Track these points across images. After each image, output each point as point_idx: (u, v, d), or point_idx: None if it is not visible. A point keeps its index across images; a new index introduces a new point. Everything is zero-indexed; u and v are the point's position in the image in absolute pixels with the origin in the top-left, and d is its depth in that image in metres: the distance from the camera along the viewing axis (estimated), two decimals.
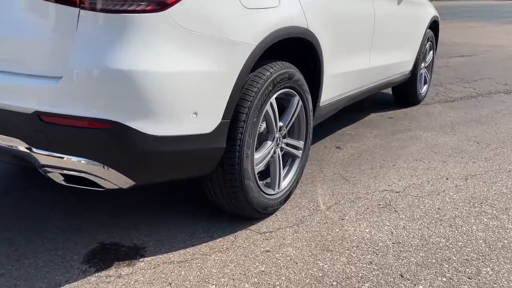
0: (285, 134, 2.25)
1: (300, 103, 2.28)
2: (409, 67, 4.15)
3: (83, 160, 1.52)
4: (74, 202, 2.33)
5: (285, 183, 2.29)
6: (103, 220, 2.17)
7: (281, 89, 2.08)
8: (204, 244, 1.99)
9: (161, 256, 1.89)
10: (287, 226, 2.15)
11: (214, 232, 2.08)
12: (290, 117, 2.23)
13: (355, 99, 3.21)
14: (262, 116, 1.98)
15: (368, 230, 2.13)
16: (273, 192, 2.19)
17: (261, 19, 1.84)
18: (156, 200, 2.37)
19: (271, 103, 2.03)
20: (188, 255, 1.90)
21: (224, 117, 1.74)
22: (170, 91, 1.54)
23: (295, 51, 2.29)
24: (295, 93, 2.21)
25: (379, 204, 2.39)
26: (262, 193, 2.10)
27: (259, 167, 2.07)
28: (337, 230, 2.12)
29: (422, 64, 4.56)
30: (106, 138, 1.48)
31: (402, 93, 4.56)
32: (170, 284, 1.71)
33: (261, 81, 1.93)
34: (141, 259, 1.86)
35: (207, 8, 1.62)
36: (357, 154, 3.17)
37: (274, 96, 2.05)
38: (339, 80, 2.70)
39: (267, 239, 2.03)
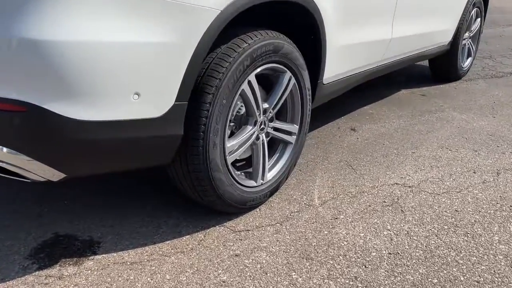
0: (272, 117, 1.92)
1: (293, 80, 1.93)
2: (448, 37, 3.63)
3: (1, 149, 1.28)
4: (42, 185, 2.14)
5: (272, 174, 1.98)
6: (68, 206, 1.96)
7: (263, 64, 1.75)
8: (168, 241, 1.74)
9: (114, 255, 1.66)
10: (268, 224, 1.86)
11: (183, 228, 1.83)
12: (279, 97, 1.89)
13: (374, 75, 2.79)
14: (236, 97, 1.67)
15: (363, 234, 1.79)
16: (255, 184, 1.89)
17: None
18: (132, 187, 2.14)
19: (249, 81, 1.70)
20: (145, 254, 1.66)
21: (178, 99, 1.44)
22: (100, 67, 1.25)
23: (289, 17, 1.93)
24: (285, 69, 1.87)
25: (384, 202, 2.03)
26: (239, 185, 1.81)
27: (234, 156, 1.77)
28: (325, 232, 1.81)
29: (466, 34, 4.01)
30: (21, 123, 1.23)
31: (440, 67, 4.05)
32: None
33: (235, 55, 1.60)
34: (92, 257, 1.64)
35: None
36: (373, 138, 2.78)
37: (254, 72, 1.72)
38: (349, 53, 2.31)
39: (241, 240, 1.75)
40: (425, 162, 2.44)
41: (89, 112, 1.28)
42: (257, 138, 1.86)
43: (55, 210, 1.94)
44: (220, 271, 1.58)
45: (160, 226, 1.84)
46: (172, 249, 1.70)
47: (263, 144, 1.89)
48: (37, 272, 1.56)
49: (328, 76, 2.22)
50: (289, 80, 1.91)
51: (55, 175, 1.35)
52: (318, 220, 1.88)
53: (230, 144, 1.72)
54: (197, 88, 1.54)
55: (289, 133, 2.03)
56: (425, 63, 4.32)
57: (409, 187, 2.17)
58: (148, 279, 1.54)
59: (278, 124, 1.96)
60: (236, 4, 1.50)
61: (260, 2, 1.62)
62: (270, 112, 1.88)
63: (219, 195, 1.72)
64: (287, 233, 1.80)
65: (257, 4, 1.59)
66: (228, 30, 1.66)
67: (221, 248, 1.70)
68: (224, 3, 1.47)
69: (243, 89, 1.68)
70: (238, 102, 1.78)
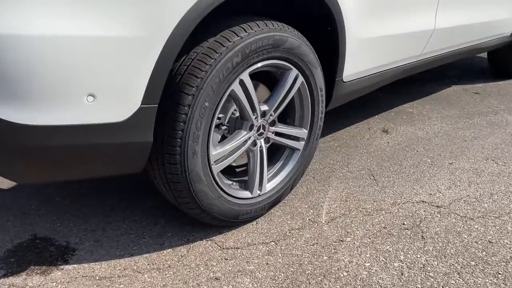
0: (273, 120, 1.68)
1: (300, 79, 1.67)
2: (510, 27, 3.16)
3: None
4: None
5: (272, 184, 1.76)
6: (56, 205, 1.85)
7: (260, 60, 1.50)
8: (146, 255, 1.57)
9: (85, 266, 1.52)
10: (262, 241, 1.64)
11: (167, 239, 1.65)
12: (282, 98, 1.65)
13: (411, 71, 2.45)
14: (224, 99, 1.44)
15: (368, 264, 1.53)
16: (250, 196, 1.67)
17: None
18: (131, 187, 2.00)
19: (241, 81, 1.47)
20: (118, 269, 1.50)
21: (145, 101, 1.24)
22: (44, 64, 1.07)
23: (297, 5, 1.67)
24: (289, 65, 1.61)
25: (403, 224, 1.74)
26: (230, 197, 1.60)
27: (223, 164, 1.56)
28: (325, 258, 1.56)
29: None
30: None
31: (500, 61, 3.58)
32: None
33: (222, 50, 1.38)
34: (62, 267, 1.51)
35: None
36: (406, 142, 2.46)
37: (248, 70, 1.48)
38: (376, 47, 2.00)
39: (226, 259, 1.55)
40: (463, 177, 2.10)
41: (35, 116, 1.11)
42: (254, 144, 1.64)
43: (44, 207, 1.83)
44: None
45: (143, 235, 1.67)
46: (148, 264, 1.53)
47: (261, 151, 1.66)
48: (1, 280, 1.45)
49: (349, 73, 1.93)
50: (296, 78, 1.66)
51: (3, 183, 1.21)
52: (320, 242, 1.64)
53: (218, 151, 1.51)
54: (172, 88, 1.33)
55: (295, 138, 1.78)
56: (484, 54, 3.84)
57: (437, 207, 1.86)
58: None
59: (281, 129, 1.72)
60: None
61: None
62: (271, 115, 1.65)
63: (203, 208, 1.52)
64: (280, 255, 1.57)
65: None
66: (219, 20, 1.44)
67: (202, 268, 1.51)
68: None
69: (233, 90, 1.45)
70: (232, 104, 1.55)
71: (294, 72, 1.64)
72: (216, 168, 1.52)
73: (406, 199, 1.91)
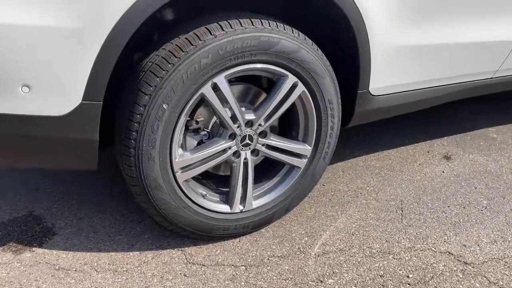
0: (264, 131, 1.49)
1: (301, 88, 1.45)
2: None
3: None
4: None
5: (261, 201, 1.58)
6: (67, 186, 1.92)
7: (241, 63, 1.33)
8: (112, 253, 1.53)
9: (54, 253, 1.52)
10: (233, 264, 1.48)
11: (140, 241, 1.58)
12: (273, 107, 1.45)
13: (487, 89, 2.00)
14: (191, 102, 1.30)
15: None
16: (229, 210, 1.51)
17: None
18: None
19: (215, 85, 1.31)
20: (79, 262, 1.48)
21: (87, 98, 1.17)
22: None
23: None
24: (284, 72, 1.40)
25: (408, 277, 1.43)
26: (201, 209, 1.47)
27: (192, 173, 1.42)
28: None
29: None
30: None
31: None
32: None
33: (189, 49, 1.24)
34: (34, 249, 1.54)
35: None
36: (467, 175, 2.04)
37: (225, 74, 1.32)
38: (424, 57, 1.66)
39: (185, 276, 1.42)
40: None
41: None
42: (237, 155, 1.47)
43: (54, 187, 1.91)
44: None
45: (121, 232, 1.63)
46: (109, 264, 1.48)
47: (245, 164, 1.49)
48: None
49: (379, 85, 1.63)
50: (293, 87, 1.44)
51: None
52: (295, 277, 1.42)
53: (185, 158, 1.38)
54: (132, 86, 1.24)
55: (296, 155, 1.57)
56: None
57: (465, 263, 1.49)
58: None
59: (275, 142, 1.52)
60: None
61: None
62: (260, 125, 1.46)
63: (166, 217, 1.42)
64: (243, 283, 1.39)
65: None
66: (199, 16, 1.31)
67: (155, 280, 1.41)
68: None
69: (203, 93, 1.31)
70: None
71: (291, 79, 1.43)
72: (182, 176, 1.39)
73: (428, 246, 1.57)
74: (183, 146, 1.42)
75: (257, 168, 1.57)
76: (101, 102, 1.19)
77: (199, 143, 1.46)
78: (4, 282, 1.39)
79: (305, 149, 1.57)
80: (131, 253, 1.52)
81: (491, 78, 1.93)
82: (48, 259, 1.49)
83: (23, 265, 1.46)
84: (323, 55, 1.47)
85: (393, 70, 1.63)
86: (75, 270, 1.45)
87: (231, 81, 1.42)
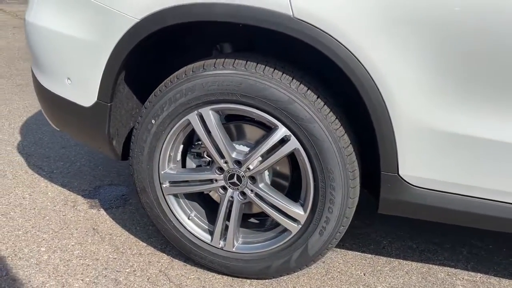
0: (254, 177, 1.43)
1: (295, 144, 1.33)
2: None
3: None
4: None
5: (244, 249, 1.52)
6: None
7: (228, 102, 1.34)
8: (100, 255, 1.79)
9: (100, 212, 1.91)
10: None
11: (140, 249, 1.78)
12: (260, 155, 1.38)
13: None
14: (177, 125, 1.42)
15: None
16: (209, 241, 1.54)
17: None
18: None
19: (201, 115, 1.38)
20: (73, 255, 1.74)
21: (100, 97, 1.46)
22: (44, 47, 1.54)
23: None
24: (275, 122, 1.33)
25: None
26: (181, 227, 1.55)
27: (180, 189, 1.53)
28: None
29: None
30: None
31: None
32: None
33: (182, 78, 1.37)
34: (100, 210, 1.97)
35: None
36: None
37: (211, 107, 1.37)
38: (473, 152, 1.20)
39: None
40: None
41: (44, 80, 1.62)
42: (224, 190, 1.48)
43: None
44: None
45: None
46: (81, 254, 1.75)
47: (230, 201, 1.48)
48: (72, 193, 2.07)
49: (415, 173, 1.28)
50: (285, 140, 1.34)
51: None
52: None
53: (172, 173, 1.50)
54: (146, 98, 1.47)
55: (290, 217, 1.43)
56: None
57: None
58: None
59: (264, 193, 1.43)
60: (158, 16, 1.27)
61: (201, 20, 1.25)
62: (248, 169, 1.42)
63: (150, 218, 1.58)
64: None
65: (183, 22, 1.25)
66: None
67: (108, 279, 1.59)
68: (144, 12, 1.29)
69: (188, 119, 1.40)
70: None
71: (282, 132, 1.33)
72: (169, 189, 1.52)
73: None
74: (181, 164, 1.54)
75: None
76: (109, 104, 1.47)
77: (198, 166, 1.54)
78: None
79: (299, 214, 1.41)
80: (111, 259, 1.75)
81: None
82: (91, 216, 1.89)
83: (82, 218, 1.90)
84: (331, 117, 1.29)
85: (434, 160, 1.24)
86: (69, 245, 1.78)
87: (240, 119, 1.45)
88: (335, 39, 1.16)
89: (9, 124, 2.86)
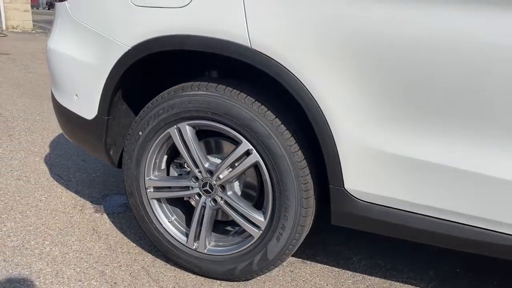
0: (223, 186, 1.63)
1: (256, 157, 1.52)
2: None
3: None
4: None
5: (215, 251, 1.70)
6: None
7: (201, 119, 1.56)
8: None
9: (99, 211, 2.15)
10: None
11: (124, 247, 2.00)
12: (226, 167, 1.58)
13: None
14: (159, 137, 1.64)
15: None
16: (184, 242, 1.73)
17: (143, 19, 1.52)
18: None
19: (179, 129, 1.61)
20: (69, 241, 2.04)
21: (99, 112, 1.72)
22: (60, 69, 1.83)
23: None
24: (240, 138, 1.53)
25: None
26: (161, 228, 1.75)
27: (161, 195, 1.73)
28: None
29: None
30: None
31: None
32: None
33: (165, 95, 1.61)
34: (96, 213, 2.22)
35: (93, 2, 1.66)
36: None
37: (188, 122, 1.59)
38: (408, 170, 1.34)
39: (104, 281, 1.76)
40: None
41: (58, 95, 1.90)
42: (199, 196, 1.68)
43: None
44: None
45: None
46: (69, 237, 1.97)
47: (203, 207, 1.67)
48: (82, 199, 2.34)
49: (360, 188, 1.43)
50: (247, 154, 1.53)
51: None
52: None
53: (154, 179, 1.72)
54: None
55: (253, 223, 1.60)
56: None
57: None
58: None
59: (231, 200, 1.62)
60: (148, 44, 1.52)
61: (182, 49, 1.49)
62: (218, 178, 1.62)
63: (136, 218, 1.80)
64: None
65: (188, 50, 1.49)
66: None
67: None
68: (136, 40, 1.55)
69: (168, 133, 1.63)
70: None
71: (245, 146, 1.52)
72: (153, 194, 1.73)
73: None
74: (166, 172, 1.76)
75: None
76: (106, 118, 1.73)
77: (179, 175, 1.76)
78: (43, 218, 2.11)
79: (260, 220, 1.58)
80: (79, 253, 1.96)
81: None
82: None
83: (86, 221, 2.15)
84: (287, 134, 1.47)
85: (374, 176, 1.39)
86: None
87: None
88: (284, 67, 1.36)
89: (42, 138, 3.21)
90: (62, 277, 1.70)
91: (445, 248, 1.42)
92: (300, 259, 1.90)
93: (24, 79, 5.16)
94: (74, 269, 1.75)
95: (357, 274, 1.82)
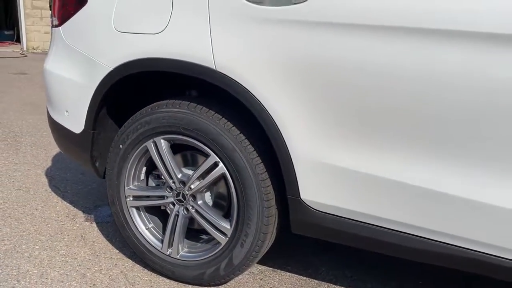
0: (194, 195, 1.76)
1: (222, 169, 1.66)
2: None
3: None
4: None
5: (186, 257, 1.83)
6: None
7: (174, 133, 1.71)
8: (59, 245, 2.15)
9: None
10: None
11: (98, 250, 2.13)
12: (196, 178, 1.72)
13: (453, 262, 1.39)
14: (137, 150, 1.80)
15: None
16: (160, 248, 1.86)
17: (124, 43, 1.69)
18: None
19: (155, 142, 1.76)
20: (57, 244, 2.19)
21: (86, 126, 1.89)
22: (53, 87, 2.01)
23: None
24: (208, 151, 1.67)
25: None
26: (139, 234, 1.89)
27: (139, 203, 1.88)
28: None
29: None
30: None
31: None
32: None
33: (143, 111, 1.77)
34: (78, 223, 2.37)
35: (81, 28, 1.84)
36: None
37: (163, 137, 1.74)
38: (369, 186, 1.46)
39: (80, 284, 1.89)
40: None
41: (52, 111, 2.08)
42: (173, 204, 1.82)
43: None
44: None
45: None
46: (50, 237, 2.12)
47: (176, 215, 1.81)
48: (75, 209, 2.49)
49: (313, 198, 1.55)
50: (215, 165, 1.67)
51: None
52: None
53: (132, 189, 1.86)
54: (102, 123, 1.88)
55: (220, 231, 1.73)
56: None
57: None
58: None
59: (201, 209, 1.75)
60: (128, 66, 1.69)
61: (156, 70, 1.65)
62: (190, 188, 1.76)
63: (117, 226, 1.94)
64: None
65: (162, 71, 1.66)
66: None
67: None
68: (117, 62, 1.72)
69: (145, 146, 1.78)
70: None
71: (212, 158, 1.66)
72: (132, 202, 1.87)
73: None
74: (145, 183, 1.91)
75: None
76: (91, 132, 1.89)
77: (157, 185, 1.90)
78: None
79: (226, 228, 1.71)
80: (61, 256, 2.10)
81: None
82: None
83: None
84: (250, 148, 1.61)
85: (324, 187, 1.51)
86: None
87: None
88: (244, 87, 1.51)
89: (46, 153, 3.41)
90: (46, 278, 1.84)
91: (410, 260, 1.52)
92: (271, 268, 2.01)
93: (37, 97, 5.42)
94: (58, 271, 1.89)
95: (323, 283, 1.92)
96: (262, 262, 2.02)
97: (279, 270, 2.00)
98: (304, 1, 1.40)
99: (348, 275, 1.99)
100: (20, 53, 10.60)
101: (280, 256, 2.08)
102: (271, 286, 1.88)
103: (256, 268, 2.00)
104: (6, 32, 13.89)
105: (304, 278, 1.95)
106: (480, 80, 1.21)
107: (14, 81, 6.62)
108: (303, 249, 2.18)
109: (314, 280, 1.93)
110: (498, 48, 1.18)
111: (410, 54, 1.27)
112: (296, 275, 1.97)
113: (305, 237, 1.71)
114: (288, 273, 1.98)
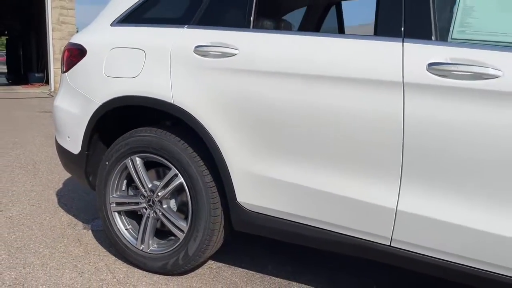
0: (161, 201, 2.26)
1: (180, 179, 2.16)
2: None
3: None
4: None
5: (155, 251, 2.30)
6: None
7: (145, 152, 2.23)
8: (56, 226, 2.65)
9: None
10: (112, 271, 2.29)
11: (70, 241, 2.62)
12: (161, 187, 2.22)
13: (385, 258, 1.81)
14: (119, 166, 2.32)
15: None
16: (135, 244, 2.34)
17: (111, 85, 2.25)
18: None
19: (132, 160, 2.28)
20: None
21: (82, 148, 2.44)
22: (59, 118, 2.58)
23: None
24: (170, 165, 2.18)
25: None
26: (119, 233, 2.38)
27: (120, 209, 2.38)
28: None
29: None
30: None
31: None
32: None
33: (124, 136, 2.31)
34: (79, 233, 2.87)
35: (81, 74, 2.42)
36: None
37: (138, 155, 2.27)
38: (287, 189, 1.93)
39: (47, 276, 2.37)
40: None
41: (59, 139, 2.64)
42: (145, 209, 2.31)
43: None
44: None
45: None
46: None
47: (147, 218, 2.30)
48: (77, 219, 3.01)
49: (246, 200, 2.03)
50: (175, 176, 2.17)
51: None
52: None
53: (115, 197, 2.37)
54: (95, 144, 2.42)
55: (178, 228, 2.21)
56: None
57: None
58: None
59: (165, 212, 2.24)
60: (112, 102, 2.24)
61: (132, 104, 2.20)
62: (157, 195, 2.25)
63: (103, 229, 2.44)
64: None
65: (135, 105, 2.20)
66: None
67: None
68: (104, 99, 2.28)
69: (125, 163, 2.30)
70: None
71: (173, 171, 2.17)
72: (115, 208, 2.38)
73: None
74: (126, 192, 2.41)
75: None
76: (86, 152, 2.43)
77: (135, 194, 2.41)
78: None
79: (183, 226, 2.19)
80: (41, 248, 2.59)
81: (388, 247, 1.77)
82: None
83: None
84: (200, 162, 2.11)
85: (254, 191, 1.99)
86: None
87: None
88: (194, 116, 2.04)
89: (59, 177, 3.98)
90: (46, 267, 2.34)
91: (345, 259, 1.96)
92: (227, 265, 2.45)
93: None
94: (56, 263, 2.39)
95: (266, 276, 2.35)
96: (220, 259, 2.47)
97: (233, 266, 2.44)
98: (233, 55, 1.94)
99: (289, 270, 2.42)
100: (48, 94, 11.52)
101: (236, 256, 2.52)
102: (223, 277, 2.32)
103: (214, 264, 2.45)
104: (36, 75, 15.04)
105: (252, 272, 2.39)
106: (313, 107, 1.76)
107: (40, 118, 7.37)
108: (256, 248, 2.62)
109: (259, 274, 2.37)
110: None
111: (297, 92, 1.79)
112: (246, 270, 2.41)
113: (259, 238, 2.16)
114: (240, 269, 2.42)
